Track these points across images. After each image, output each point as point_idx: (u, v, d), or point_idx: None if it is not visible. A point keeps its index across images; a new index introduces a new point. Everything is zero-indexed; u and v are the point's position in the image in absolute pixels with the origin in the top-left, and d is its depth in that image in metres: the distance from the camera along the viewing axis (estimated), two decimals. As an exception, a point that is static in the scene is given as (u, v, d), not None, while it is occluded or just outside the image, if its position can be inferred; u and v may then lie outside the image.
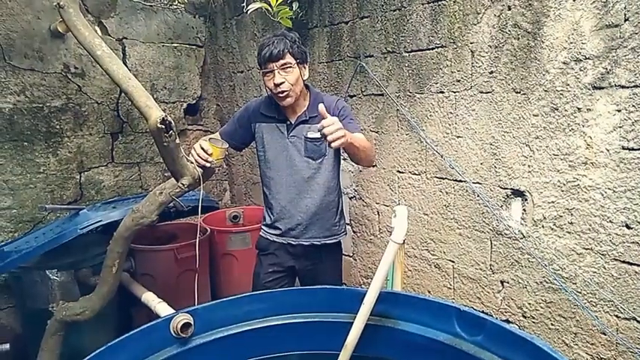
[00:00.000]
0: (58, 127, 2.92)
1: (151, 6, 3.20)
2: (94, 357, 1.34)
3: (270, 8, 1.99)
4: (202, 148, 1.74)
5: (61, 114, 2.92)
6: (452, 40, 1.90)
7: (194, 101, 3.59)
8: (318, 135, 1.86)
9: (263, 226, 2.14)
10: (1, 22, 2.67)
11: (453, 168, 1.99)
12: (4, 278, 2.71)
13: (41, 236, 2.07)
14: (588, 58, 1.50)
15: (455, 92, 1.94)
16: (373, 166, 2.38)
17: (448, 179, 2.04)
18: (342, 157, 2.13)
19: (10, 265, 2.05)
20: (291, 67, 1.84)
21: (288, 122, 1.99)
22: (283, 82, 1.83)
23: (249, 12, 2.05)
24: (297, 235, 2.03)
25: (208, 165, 1.74)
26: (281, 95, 1.87)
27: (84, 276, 2.39)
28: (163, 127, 1.37)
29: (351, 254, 2.67)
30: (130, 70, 3.13)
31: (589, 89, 1.52)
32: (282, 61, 1.82)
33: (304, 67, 1.93)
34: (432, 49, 1.99)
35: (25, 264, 2.15)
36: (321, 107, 1.62)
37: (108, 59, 1.45)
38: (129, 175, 3.27)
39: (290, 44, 1.84)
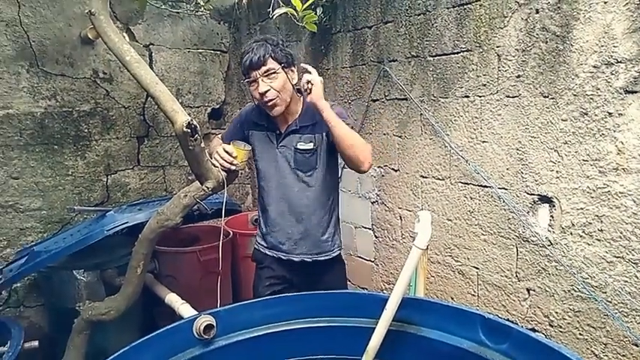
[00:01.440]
0: (86, 130, 2.99)
1: (178, 13, 3.26)
2: (119, 356, 1.36)
3: (295, 13, 1.99)
4: (226, 151, 1.73)
5: (89, 118, 3.00)
6: (478, 44, 1.88)
7: (218, 106, 3.64)
8: (308, 146, 1.83)
9: (257, 238, 2.07)
10: (34, 30, 2.76)
11: (478, 173, 1.96)
12: (34, 277, 2.78)
13: (69, 237, 2.12)
14: (620, 62, 1.46)
15: (480, 97, 1.92)
16: (363, 172, 1.95)
17: (473, 184, 2.01)
18: (340, 169, 2.01)
19: (39, 265, 2.11)
20: (275, 72, 1.74)
21: (278, 132, 1.89)
22: (269, 90, 1.73)
23: (274, 17, 2.04)
24: (287, 250, 1.94)
25: (233, 168, 1.73)
26: (269, 104, 1.77)
27: (109, 276, 2.44)
28: (189, 131, 1.39)
29: (373, 259, 2.66)
30: (156, 75, 3.24)
31: (620, 93, 1.48)
32: (264, 68, 1.73)
33: (292, 71, 1.82)
34: (457, 53, 1.97)
35: (53, 264, 2.20)
36: (307, 68, 1.69)
37: (136, 64, 1.49)
38: (154, 178, 3.32)
39: (272, 48, 1.74)
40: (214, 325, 1.52)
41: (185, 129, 1.38)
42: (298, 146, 1.85)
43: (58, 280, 2.41)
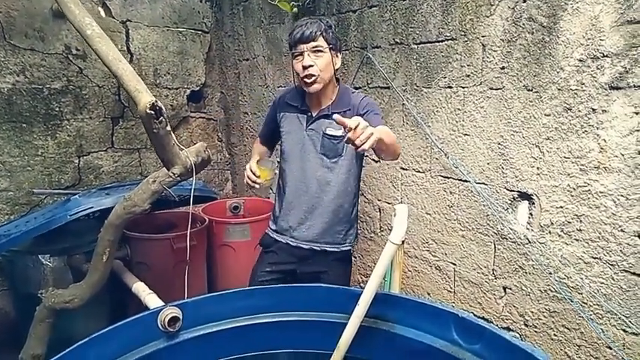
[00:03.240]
0: (57, 109, 2.87)
1: (157, -12, 3.13)
2: (78, 348, 1.31)
3: (267, -10, 1.89)
4: (251, 170, 1.84)
5: (61, 96, 2.87)
6: (463, 33, 1.82)
7: (198, 88, 3.53)
8: (337, 132, 1.79)
9: (269, 222, 2.06)
10: (1, 0, 2.61)
11: (456, 167, 1.91)
12: (-1, 261, 2.68)
13: (32, 220, 2.02)
14: (606, 56, 1.41)
15: (464, 88, 1.86)
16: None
17: (453, 178, 1.96)
18: (364, 160, 1.99)
19: (-3, 249, 2.01)
20: (322, 51, 1.74)
21: (309, 114, 1.88)
22: (312, 66, 1.73)
23: None
24: (297, 236, 1.92)
25: (257, 186, 1.85)
26: (307, 80, 1.76)
27: (77, 262, 2.35)
28: (153, 112, 1.30)
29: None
30: (132, 53, 3.14)
31: (605, 89, 1.43)
32: (313, 44, 1.73)
33: (337, 56, 1.82)
34: (442, 41, 1.91)
35: (15, 248, 2.11)
36: (337, 117, 1.43)
37: (98, 39, 1.39)
38: (129, 161, 3.22)
39: (324, 28, 1.75)
40: (180, 317, 1.46)
41: (149, 110, 1.29)
42: (327, 131, 1.83)
43: (23, 264, 2.31)
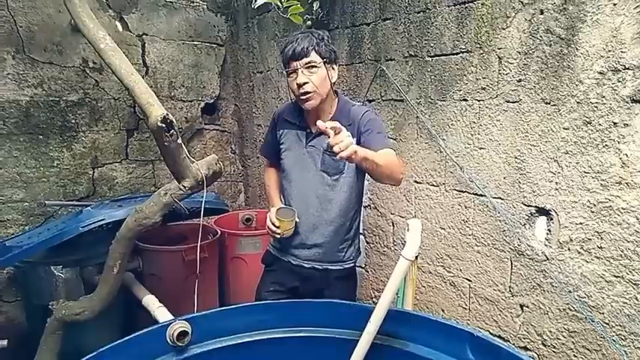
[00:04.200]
0: (73, 121, 2.90)
1: (173, 3, 3.17)
2: (84, 363, 1.30)
3: (279, 3, 1.89)
4: (272, 222, 1.83)
5: (77, 108, 2.91)
6: (478, 45, 1.79)
7: (212, 100, 3.55)
8: None
9: (270, 239, 2.01)
10: (22, 15, 2.67)
11: (472, 181, 1.87)
12: (13, 272, 2.70)
13: (45, 232, 2.03)
14: (628, 69, 1.37)
15: (479, 101, 1.82)
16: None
17: (468, 193, 1.92)
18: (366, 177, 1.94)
19: (9, 261, 2.03)
20: (315, 66, 1.70)
21: (309, 130, 1.84)
22: (307, 83, 1.69)
23: (256, 6, 1.94)
24: (298, 255, 1.89)
25: (278, 236, 1.84)
26: (303, 98, 1.72)
27: (89, 274, 2.35)
28: (164, 125, 1.30)
29: (364, 265, 2.57)
30: (148, 66, 3.17)
31: (627, 102, 1.38)
32: (305, 60, 1.68)
33: (332, 69, 1.77)
34: (457, 54, 1.88)
35: (28, 259, 2.12)
36: (319, 123, 1.39)
37: (111, 53, 1.40)
38: (142, 173, 3.24)
39: (316, 42, 1.70)
40: (189, 331, 1.45)
41: (160, 123, 1.29)
42: (328, 148, 1.79)
43: (35, 275, 2.32)
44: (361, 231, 2.54)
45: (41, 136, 2.80)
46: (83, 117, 2.94)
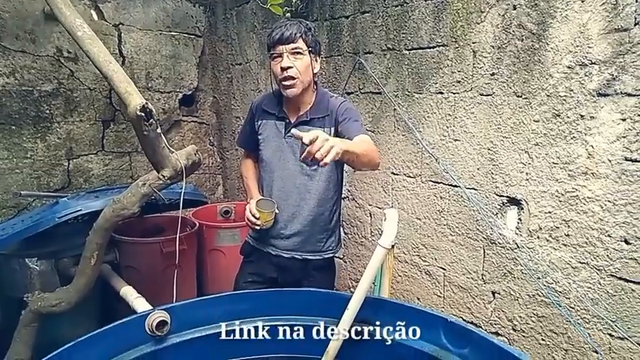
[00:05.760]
0: (47, 111, 2.85)
1: (150, -8, 3.13)
2: (64, 351, 1.30)
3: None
4: (251, 213, 1.82)
5: (51, 99, 2.85)
6: (454, 39, 1.83)
7: (190, 92, 3.52)
8: None
9: (249, 230, 2.00)
10: (-7, 2, 2.60)
11: (447, 172, 1.92)
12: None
13: (19, 223, 2.00)
14: (594, 63, 1.43)
15: (454, 93, 1.87)
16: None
17: (443, 184, 1.97)
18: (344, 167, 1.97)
19: (-18, 252, 1.98)
20: (301, 53, 1.70)
21: (287, 121, 1.83)
22: (291, 67, 1.69)
23: None
24: (277, 245, 1.89)
25: (258, 228, 1.84)
26: (286, 83, 1.71)
27: (65, 266, 2.32)
28: (143, 115, 1.29)
29: (342, 256, 2.61)
30: (125, 57, 3.13)
31: (593, 96, 1.45)
32: (292, 45, 1.69)
33: (316, 60, 1.79)
34: (433, 47, 1.92)
35: (2, 251, 2.08)
36: (294, 132, 1.38)
37: (89, 41, 1.38)
38: (119, 165, 3.20)
39: (304, 30, 1.72)
40: (168, 321, 1.45)
41: (139, 112, 1.29)
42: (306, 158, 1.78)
43: (9, 268, 2.28)
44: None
45: (14, 127, 2.74)
46: (58, 107, 2.88)
